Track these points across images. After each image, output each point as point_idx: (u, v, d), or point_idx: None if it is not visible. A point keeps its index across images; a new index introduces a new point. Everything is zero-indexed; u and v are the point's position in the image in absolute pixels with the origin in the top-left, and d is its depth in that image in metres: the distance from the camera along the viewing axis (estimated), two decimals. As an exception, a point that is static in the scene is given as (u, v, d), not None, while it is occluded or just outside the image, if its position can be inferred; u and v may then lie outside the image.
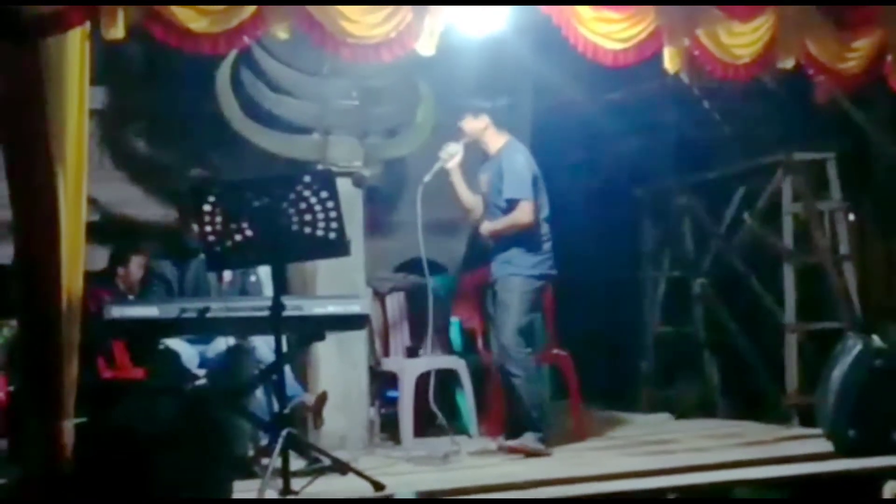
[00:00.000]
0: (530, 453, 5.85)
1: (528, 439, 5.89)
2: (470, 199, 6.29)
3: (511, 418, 6.08)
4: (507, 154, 6.11)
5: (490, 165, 6.19)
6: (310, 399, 5.99)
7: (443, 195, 6.26)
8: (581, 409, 6.74)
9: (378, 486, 4.90)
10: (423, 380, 6.57)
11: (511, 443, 5.93)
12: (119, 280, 6.65)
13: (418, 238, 5.97)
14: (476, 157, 6.31)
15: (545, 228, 6.09)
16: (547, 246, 6.09)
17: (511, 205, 6.00)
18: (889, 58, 6.18)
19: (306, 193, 4.79)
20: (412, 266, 7.51)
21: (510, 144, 6.17)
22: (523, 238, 6.01)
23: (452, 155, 6.15)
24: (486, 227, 6.18)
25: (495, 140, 6.17)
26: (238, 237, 4.83)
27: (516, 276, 5.98)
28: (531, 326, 6.13)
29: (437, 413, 6.37)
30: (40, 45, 4.53)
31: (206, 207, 4.80)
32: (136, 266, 6.63)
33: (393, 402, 6.75)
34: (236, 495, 4.70)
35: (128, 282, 6.62)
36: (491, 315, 6.22)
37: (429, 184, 6.09)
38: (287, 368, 5.54)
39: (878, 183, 7.76)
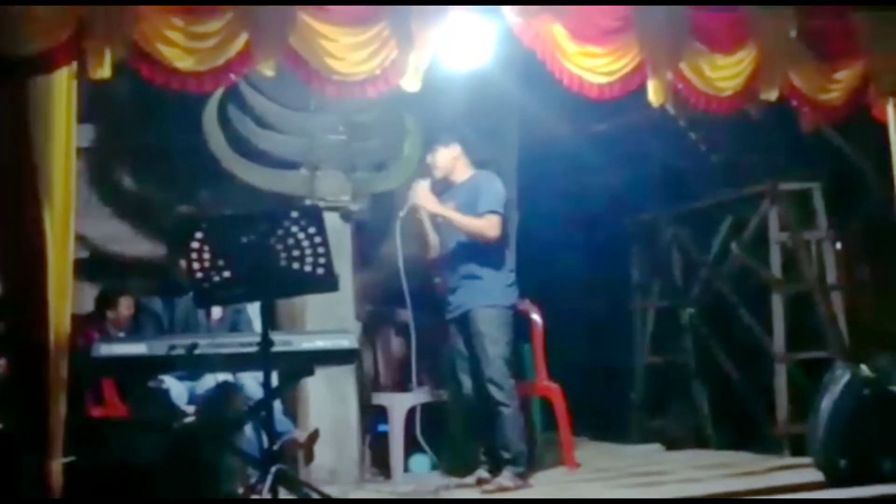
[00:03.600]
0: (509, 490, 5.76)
1: (505, 478, 5.79)
2: (435, 239, 6.11)
3: (492, 451, 6.00)
4: (485, 176, 6.03)
5: (459, 190, 6.03)
6: (301, 436, 5.97)
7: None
8: (571, 441, 6.73)
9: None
10: (413, 413, 6.55)
11: (487, 487, 5.81)
12: (109, 324, 6.64)
13: (399, 272, 5.93)
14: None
15: (512, 256, 5.99)
16: (513, 274, 5.98)
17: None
18: (872, 88, 6.23)
19: (294, 229, 4.77)
20: (401, 299, 7.52)
21: (483, 172, 6.08)
22: (495, 261, 5.90)
23: (424, 192, 5.97)
24: (445, 209, 5.95)
25: (464, 171, 6.08)
26: (226, 273, 4.80)
27: (494, 308, 5.88)
28: (516, 354, 6.07)
29: (426, 448, 6.34)
30: (27, 84, 4.55)
31: (194, 244, 4.77)
32: (124, 307, 6.64)
33: (384, 436, 6.73)
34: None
35: (118, 324, 6.62)
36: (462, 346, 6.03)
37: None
38: (277, 404, 5.53)
39: (864, 211, 7.78)
